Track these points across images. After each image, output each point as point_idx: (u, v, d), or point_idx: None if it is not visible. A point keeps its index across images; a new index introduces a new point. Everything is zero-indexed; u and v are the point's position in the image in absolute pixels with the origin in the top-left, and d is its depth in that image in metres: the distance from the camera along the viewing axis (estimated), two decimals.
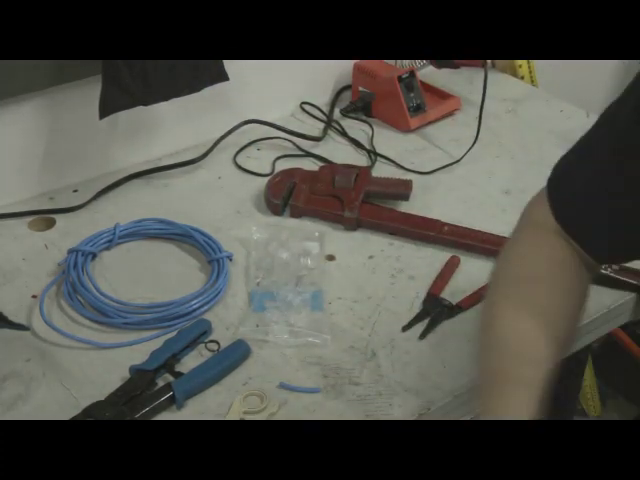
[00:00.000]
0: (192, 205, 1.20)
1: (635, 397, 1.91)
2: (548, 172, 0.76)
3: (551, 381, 0.67)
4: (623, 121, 0.68)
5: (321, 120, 1.42)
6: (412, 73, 1.39)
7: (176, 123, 1.30)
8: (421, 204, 1.20)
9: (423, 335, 0.97)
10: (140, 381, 0.88)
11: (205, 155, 1.30)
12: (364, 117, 1.43)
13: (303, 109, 1.45)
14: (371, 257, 1.10)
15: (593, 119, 0.73)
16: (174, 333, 0.95)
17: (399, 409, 0.87)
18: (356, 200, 1.15)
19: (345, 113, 1.43)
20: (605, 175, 0.71)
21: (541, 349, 0.70)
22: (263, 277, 1.04)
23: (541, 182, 0.77)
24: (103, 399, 0.86)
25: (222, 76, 1.22)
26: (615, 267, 1.03)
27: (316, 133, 1.37)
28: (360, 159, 1.32)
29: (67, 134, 1.20)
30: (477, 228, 1.12)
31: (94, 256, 1.07)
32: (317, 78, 1.46)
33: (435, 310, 1.00)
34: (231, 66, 1.21)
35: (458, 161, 1.31)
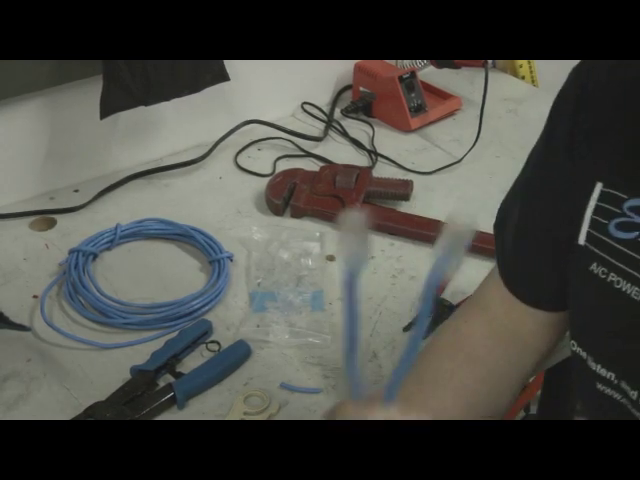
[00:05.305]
0: (193, 205, 1.20)
1: None
2: None
3: (551, 381, 0.67)
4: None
5: (322, 120, 1.42)
6: (413, 73, 1.39)
7: (177, 123, 1.30)
8: (422, 204, 1.20)
9: (424, 335, 0.97)
10: (141, 381, 0.88)
11: (206, 155, 1.30)
12: (365, 117, 1.43)
13: (304, 109, 1.45)
14: (372, 257, 1.10)
15: None
16: (175, 333, 0.95)
17: None
18: (357, 200, 1.15)
19: (346, 113, 1.43)
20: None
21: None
22: (264, 277, 1.04)
23: None
24: (104, 399, 0.86)
25: (223, 76, 1.21)
26: None
27: (317, 133, 1.37)
28: (361, 159, 1.32)
29: (68, 134, 1.20)
30: (478, 228, 1.12)
31: (95, 256, 1.07)
32: (318, 78, 1.46)
33: (436, 310, 1.00)
34: (231, 66, 1.21)
35: (459, 161, 1.31)
